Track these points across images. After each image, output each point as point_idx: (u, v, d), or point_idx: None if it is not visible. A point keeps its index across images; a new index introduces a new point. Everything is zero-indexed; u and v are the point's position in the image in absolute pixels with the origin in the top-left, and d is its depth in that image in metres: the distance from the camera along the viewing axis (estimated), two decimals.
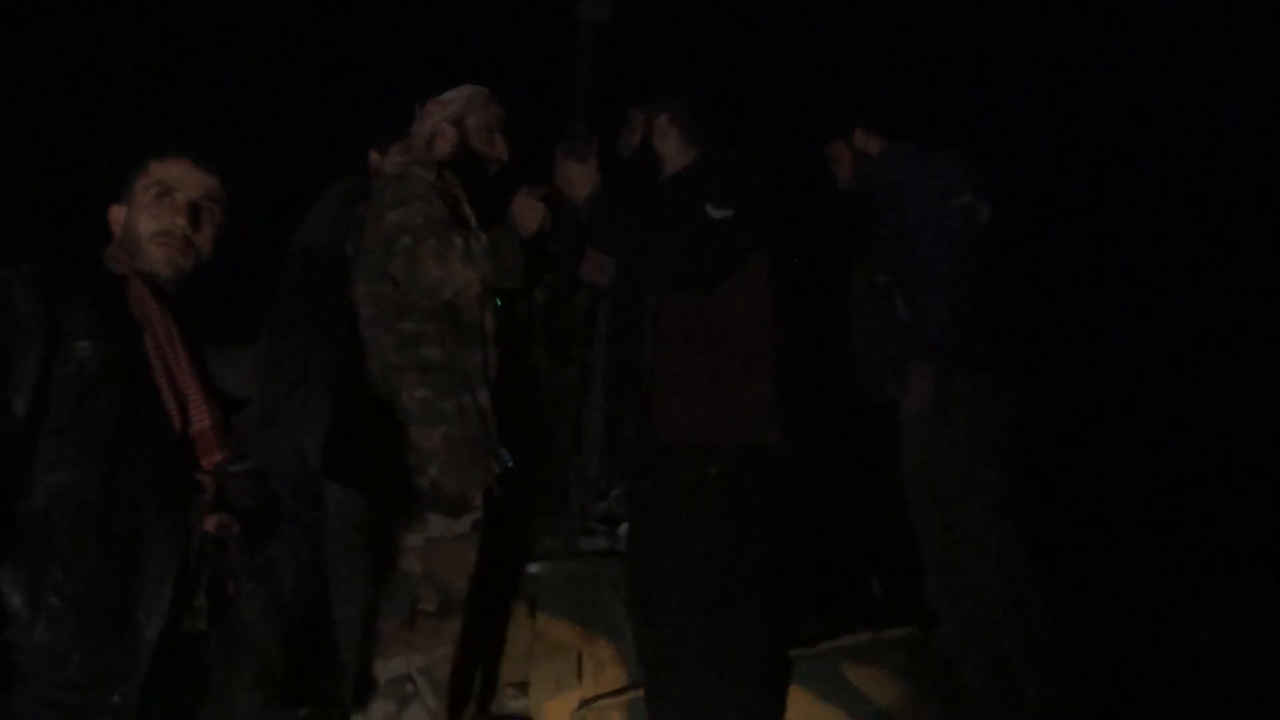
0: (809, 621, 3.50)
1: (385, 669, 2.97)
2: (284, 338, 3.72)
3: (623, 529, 3.64)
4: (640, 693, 3.13)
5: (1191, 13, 4.85)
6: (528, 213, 3.13)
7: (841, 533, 3.88)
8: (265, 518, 2.25)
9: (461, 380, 2.99)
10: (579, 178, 3.11)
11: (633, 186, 3.31)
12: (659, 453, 3.03)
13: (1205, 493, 4.61)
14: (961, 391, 3.43)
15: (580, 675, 3.46)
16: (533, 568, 3.63)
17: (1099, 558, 4.43)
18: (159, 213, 2.23)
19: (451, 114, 3.30)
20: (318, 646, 3.58)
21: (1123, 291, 4.97)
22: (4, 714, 1.99)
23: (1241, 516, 4.54)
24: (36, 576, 1.99)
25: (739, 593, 2.94)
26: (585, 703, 3.41)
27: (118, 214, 2.31)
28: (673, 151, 3.28)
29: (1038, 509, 3.54)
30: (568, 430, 3.86)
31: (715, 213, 2.94)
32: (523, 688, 3.49)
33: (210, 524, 2.14)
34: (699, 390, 2.97)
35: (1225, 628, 3.96)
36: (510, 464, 3.09)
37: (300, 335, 3.65)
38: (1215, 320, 4.93)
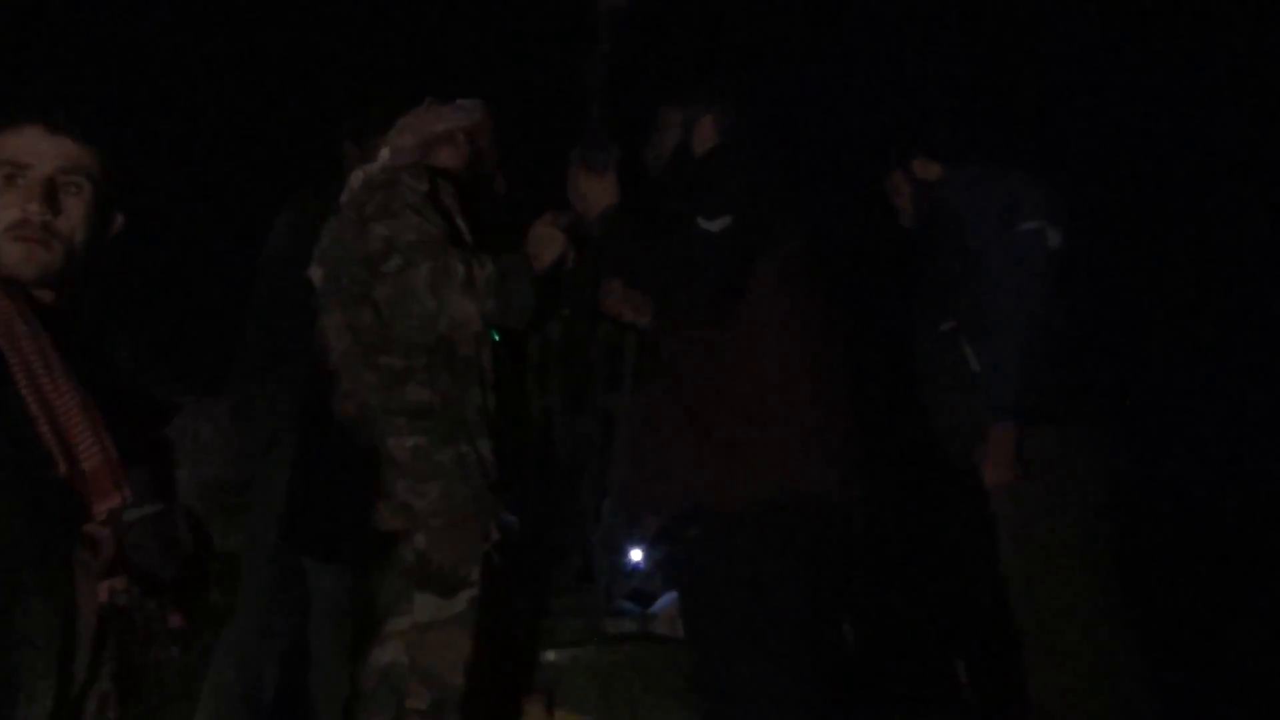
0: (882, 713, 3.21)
1: None
2: (255, 388, 3.37)
3: (657, 606, 3.36)
4: None
5: None
6: (547, 243, 2.87)
7: (919, 605, 3.58)
8: (184, 574, 1.86)
9: (459, 426, 2.71)
10: (595, 193, 2.84)
11: (662, 200, 3.00)
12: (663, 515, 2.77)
13: None
14: (1047, 448, 3.14)
15: None
16: (549, 655, 3.37)
17: (1213, 630, 4.09)
18: (9, 200, 1.87)
19: (468, 126, 3.00)
20: None
21: (1225, 324, 4.53)
22: None
23: None
24: None
25: (784, 680, 2.61)
26: None
27: None
28: None
29: (1142, 573, 3.24)
30: (589, 490, 3.68)
31: (708, 225, 2.64)
32: None
33: (103, 591, 1.77)
34: (686, 436, 2.68)
35: None
36: (514, 528, 2.79)
37: (272, 385, 3.30)
38: None
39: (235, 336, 3.49)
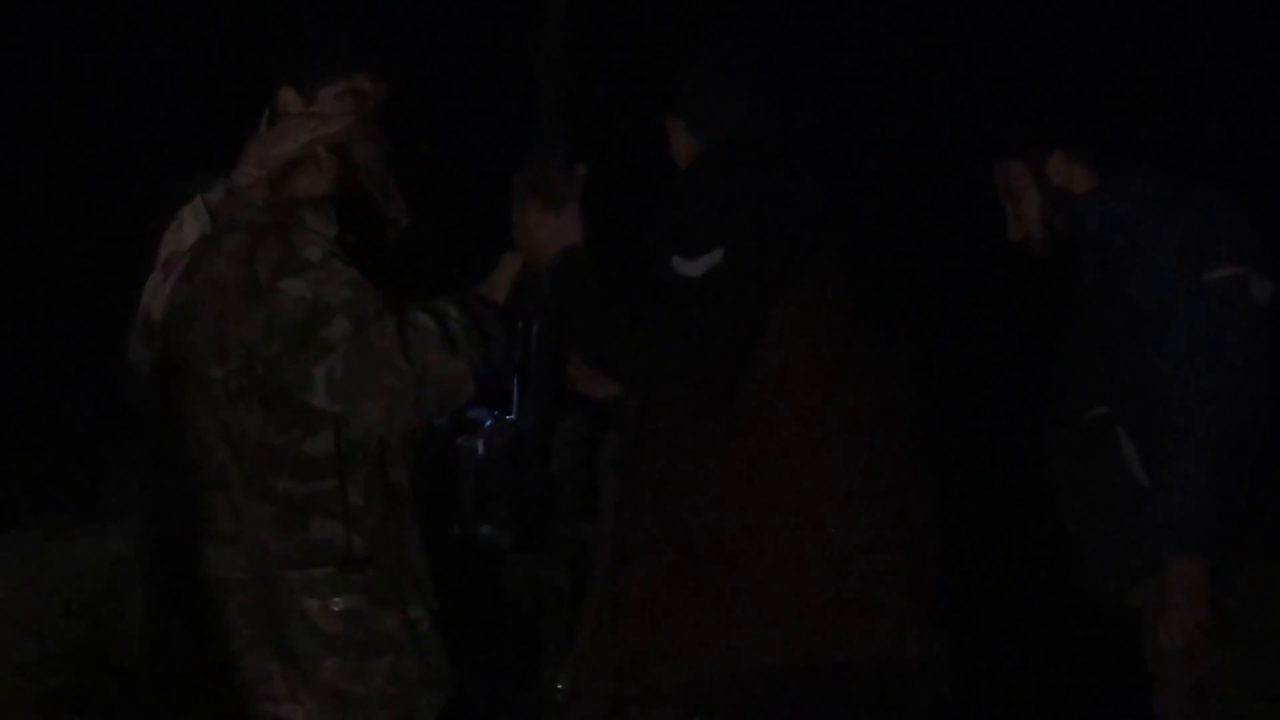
0: None
1: None
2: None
3: None
4: None
5: None
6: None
7: None
8: None
9: (405, 574, 2.42)
10: (546, 231, 2.39)
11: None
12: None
13: None
14: (1240, 590, 2.70)
15: None
16: None
17: None
18: None
19: (328, 134, 2.54)
20: None
21: None
22: None
23: None
24: None
25: None
26: None
27: None
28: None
29: None
30: (552, 658, 3.25)
31: (687, 268, 2.19)
32: None
33: None
34: (678, 582, 2.24)
35: None
36: None
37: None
38: None
39: None
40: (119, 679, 3.64)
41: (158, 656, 2.61)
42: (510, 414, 3.15)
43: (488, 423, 3.18)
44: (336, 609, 2.35)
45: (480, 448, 3.21)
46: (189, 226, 2.59)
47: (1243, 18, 3.89)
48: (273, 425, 2.38)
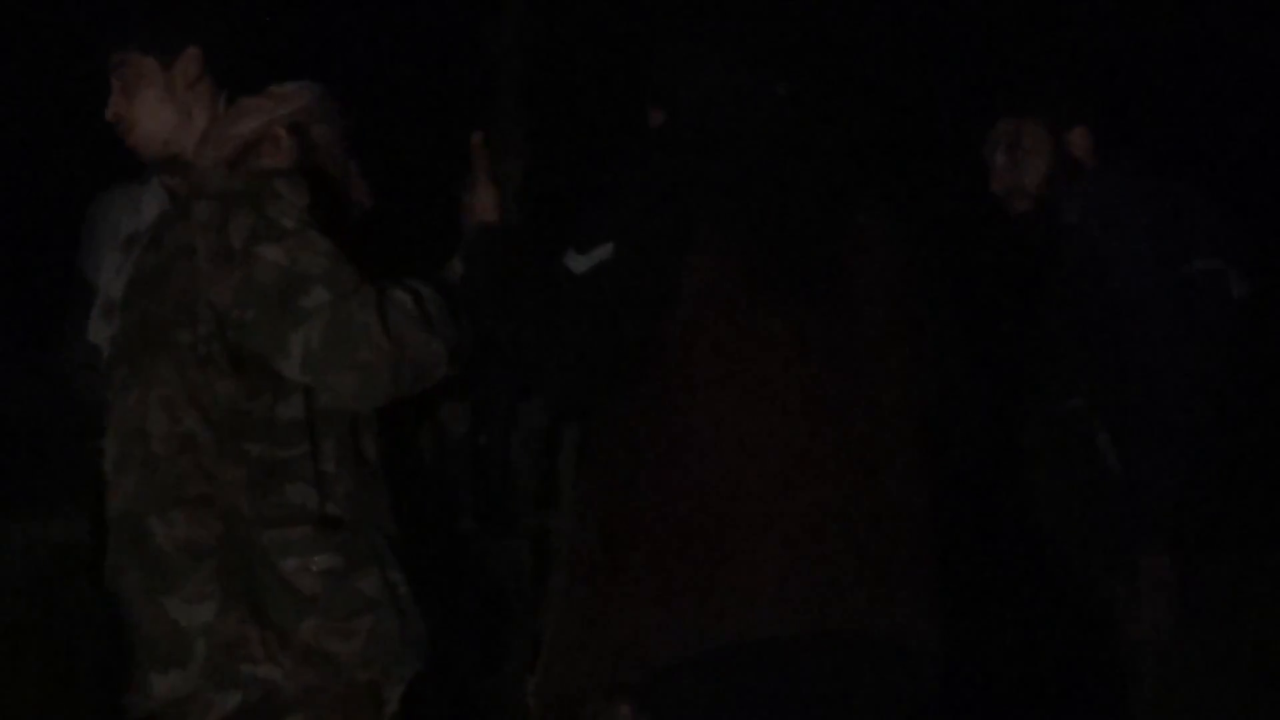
0: None
1: None
2: None
3: None
4: None
5: None
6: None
7: None
8: None
9: (381, 540, 2.42)
10: (476, 201, 2.38)
11: None
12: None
13: None
14: (1221, 588, 2.78)
15: None
16: None
17: None
18: None
19: (286, 114, 2.51)
20: None
21: None
22: None
23: None
24: None
25: None
26: None
27: None
28: None
29: None
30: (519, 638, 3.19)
31: (577, 263, 2.11)
32: None
33: None
34: (625, 563, 2.14)
35: None
36: None
37: None
38: None
39: None
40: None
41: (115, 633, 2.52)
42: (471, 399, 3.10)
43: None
44: (315, 569, 2.33)
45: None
46: (148, 207, 2.59)
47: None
48: (243, 390, 2.34)
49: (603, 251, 2.10)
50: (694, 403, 2.07)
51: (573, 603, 2.24)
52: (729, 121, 2.28)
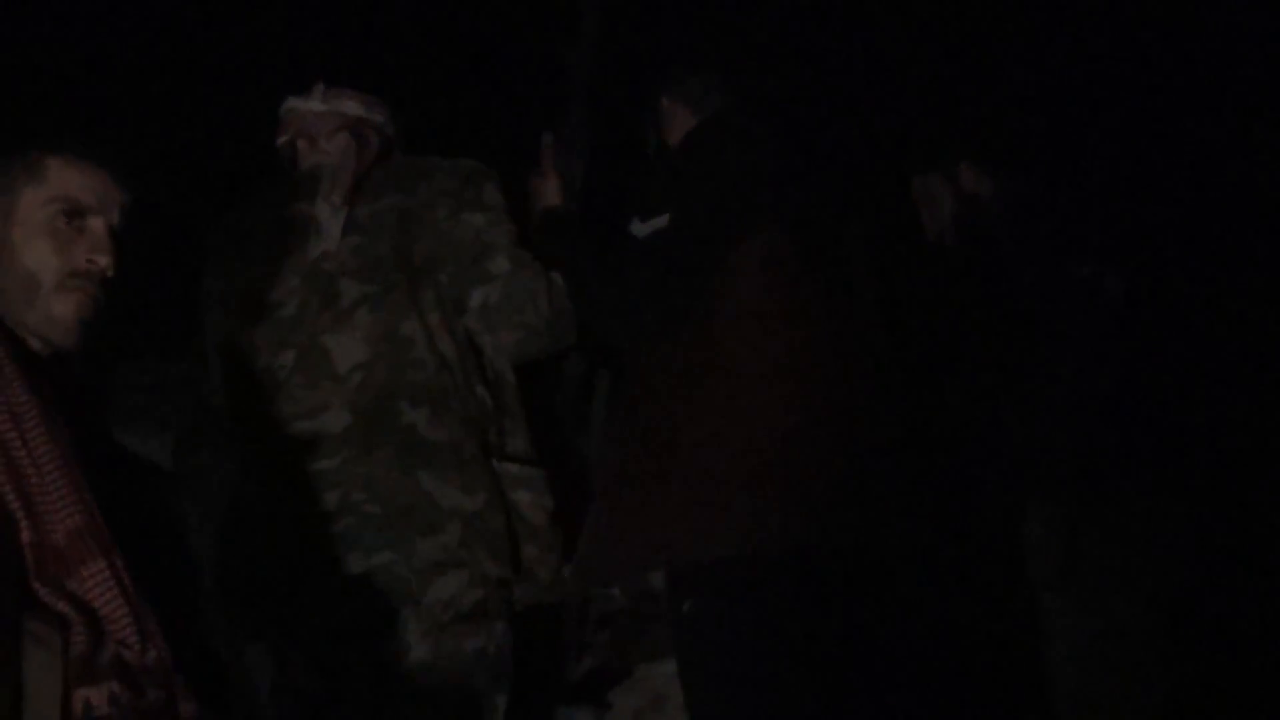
0: None
1: None
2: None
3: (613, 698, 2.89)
4: None
5: None
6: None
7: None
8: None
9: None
10: (539, 190, 2.61)
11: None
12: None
13: None
14: (1106, 539, 2.81)
15: None
16: None
17: None
18: (73, 246, 1.79)
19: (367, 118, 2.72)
20: None
21: None
22: None
23: None
24: None
25: None
26: None
27: None
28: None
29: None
30: None
31: (638, 227, 2.35)
32: None
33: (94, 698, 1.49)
34: (655, 478, 2.29)
35: None
36: None
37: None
38: None
39: None
40: None
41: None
42: None
43: None
44: (546, 508, 2.49)
45: None
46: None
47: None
48: (457, 335, 2.52)
49: (657, 220, 2.34)
50: (740, 351, 2.29)
51: (607, 502, 2.39)
52: (753, 120, 2.47)
